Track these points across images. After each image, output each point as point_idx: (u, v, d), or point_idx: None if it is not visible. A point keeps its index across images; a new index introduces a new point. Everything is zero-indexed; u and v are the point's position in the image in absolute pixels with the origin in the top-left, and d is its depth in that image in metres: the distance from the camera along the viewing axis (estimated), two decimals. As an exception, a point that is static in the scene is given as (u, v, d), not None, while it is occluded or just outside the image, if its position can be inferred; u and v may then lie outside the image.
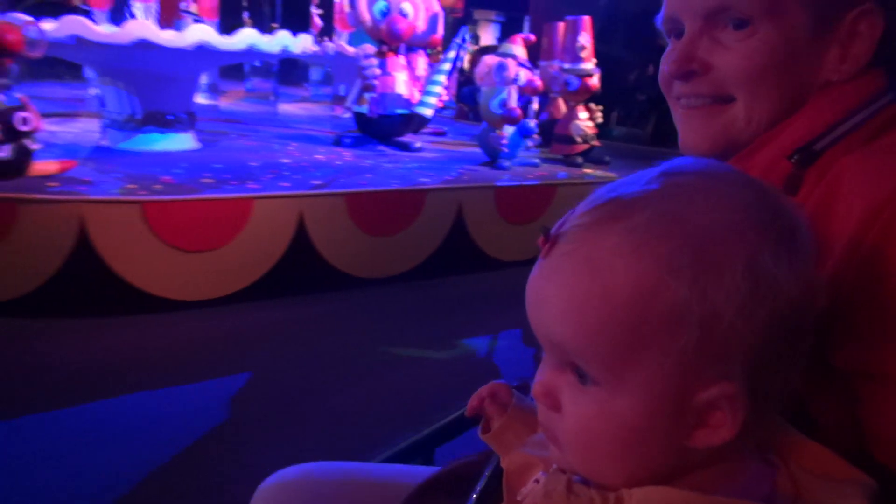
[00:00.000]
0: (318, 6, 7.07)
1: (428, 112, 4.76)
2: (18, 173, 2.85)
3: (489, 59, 4.26)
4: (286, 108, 7.27)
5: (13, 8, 3.41)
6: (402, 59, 4.69)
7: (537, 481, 0.57)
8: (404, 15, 4.54)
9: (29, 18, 2.87)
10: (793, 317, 0.46)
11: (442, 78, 4.78)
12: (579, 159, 4.76)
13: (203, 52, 3.49)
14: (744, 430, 0.46)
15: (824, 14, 0.64)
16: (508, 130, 4.25)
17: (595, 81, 4.79)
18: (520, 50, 4.34)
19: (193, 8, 5.66)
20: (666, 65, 0.71)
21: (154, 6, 3.95)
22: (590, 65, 4.82)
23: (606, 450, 0.47)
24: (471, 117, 7.45)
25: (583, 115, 4.86)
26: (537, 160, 4.59)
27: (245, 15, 8.42)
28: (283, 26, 4.70)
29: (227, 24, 5.27)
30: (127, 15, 3.93)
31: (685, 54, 0.68)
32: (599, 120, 5.02)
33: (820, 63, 0.65)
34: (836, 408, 0.56)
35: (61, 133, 4.20)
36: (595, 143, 4.89)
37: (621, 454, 0.47)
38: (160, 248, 2.77)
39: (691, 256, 0.44)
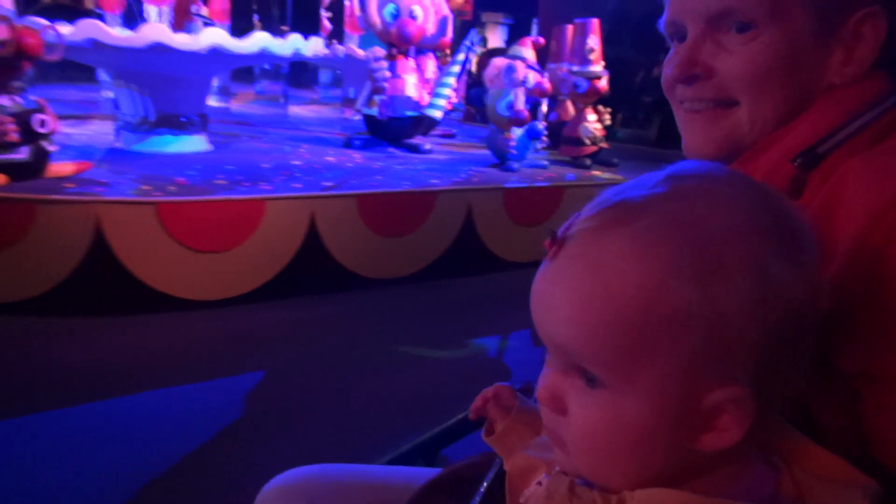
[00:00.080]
0: (328, 9, 7.11)
1: (437, 114, 4.79)
2: (36, 174, 2.89)
3: (498, 62, 4.28)
4: (296, 110, 7.30)
5: (25, 11, 3.46)
6: (411, 62, 4.71)
7: (540, 484, 0.57)
8: (414, 18, 4.56)
9: (47, 23, 2.92)
10: (797, 319, 0.46)
11: (451, 80, 4.81)
12: (588, 161, 4.78)
13: (216, 55, 3.52)
14: (749, 432, 0.46)
15: (828, 17, 0.63)
16: (517, 132, 4.27)
17: (604, 84, 4.80)
18: (529, 52, 4.36)
19: (204, 11, 5.70)
20: (669, 68, 0.71)
21: (167, 10, 3.99)
22: (598, 67, 4.84)
23: (613, 452, 0.48)
24: (478, 119, 7.47)
25: (591, 117, 4.88)
26: (546, 162, 4.61)
27: (255, 18, 8.47)
28: (293, 29, 4.74)
29: (238, 27, 5.31)
30: (139, 18, 3.97)
31: (688, 58, 0.68)
32: (608, 122, 5.03)
33: (823, 66, 0.65)
34: (839, 410, 0.55)
35: (75, 135, 4.23)
36: (603, 145, 4.91)
37: (628, 457, 0.47)
38: (175, 248, 2.81)
39: (697, 259, 0.44)
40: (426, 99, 4.72)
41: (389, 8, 4.54)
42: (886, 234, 0.53)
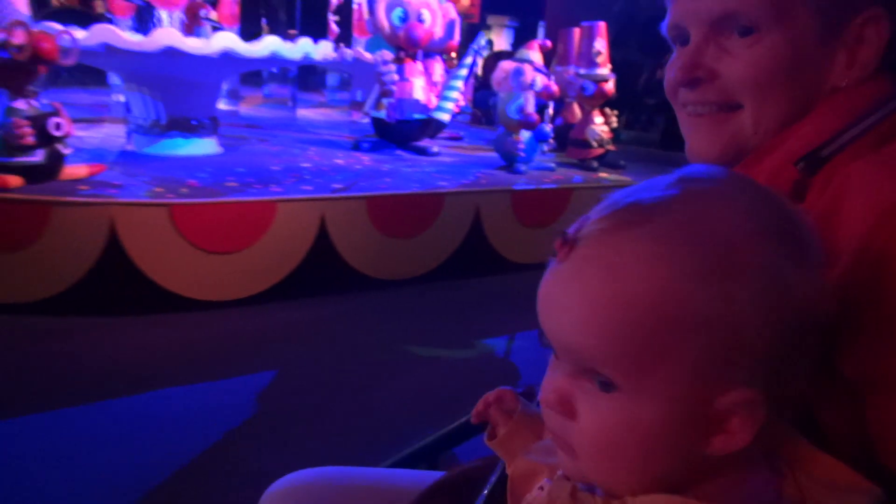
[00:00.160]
0: (335, 13, 7.15)
1: (445, 117, 4.81)
2: (51, 177, 2.94)
3: (506, 65, 4.30)
4: (304, 113, 7.34)
5: (36, 15, 3.50)
6: (419, 65, 4.74)
7: (542, 488, 0.57)
8: (422, 21, 4.59)
9: (62, 28, 2.96)
10: (806, 322, 0.46)
11: (459, 83, 4.83)
12: (595, 163, 4.79)
13: (228, 58, 3.56)
14: (757, 436, 0.46)
15: (830, 20, 0.63)
16: (525, 135, 4.29)
17: (611, 86, 4.82)
18: (536, 55, 4.38)
19: (213, 15, 5.75)
20: (672, 72, 0.71)
21: (178, 14, 4.03)
22: (605, 70, 4.86)
23: (625, 456, 0.47)
24: (484, 122, 7.50)
25: (598, 119, 4.89)
26: (553, 164, 4.62)
27: (263, 22, 8.53)
28: (301, 33, 4.78)
29: (247, 32, 5.36)
30: (150, 23, 4.01)
31: (691, 62, 0.68)
32: (615, 124, 5.05)
33: (827, 69, 0.64)
34: (842, 415, 0.55)
35: (88, 138, 4.28)
36: (610, 147, 4.92)
37: (639, 460, 0.47)
38: (187, 249, 2.85)
39: (712, 263, 0.44)
40: (434, 102, 4.75)
41: (398, 11, 4.57)
42: (890, 238, 0.53)
